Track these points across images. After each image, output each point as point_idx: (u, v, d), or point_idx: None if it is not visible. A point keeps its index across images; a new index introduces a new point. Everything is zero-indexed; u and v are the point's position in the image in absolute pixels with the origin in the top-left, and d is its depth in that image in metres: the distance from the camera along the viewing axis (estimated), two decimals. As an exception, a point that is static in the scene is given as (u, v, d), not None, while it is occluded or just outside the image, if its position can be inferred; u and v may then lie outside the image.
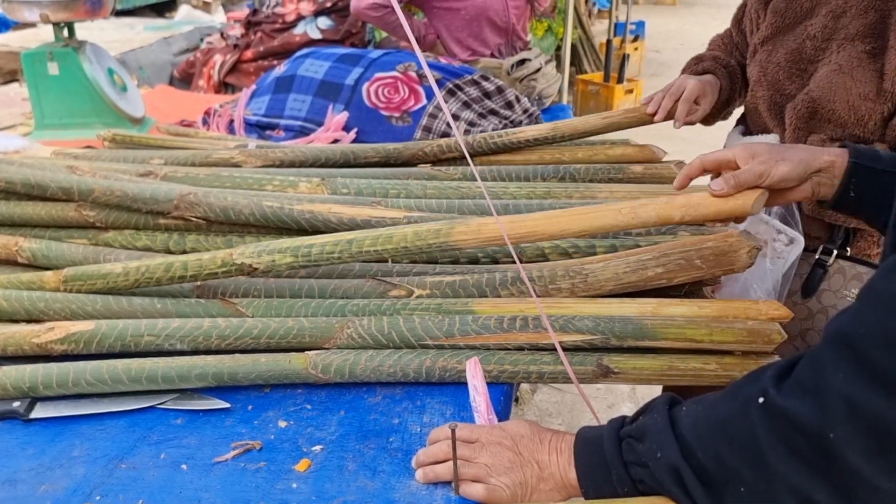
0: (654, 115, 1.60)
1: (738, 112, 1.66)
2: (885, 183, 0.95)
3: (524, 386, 2.82)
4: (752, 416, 0.69)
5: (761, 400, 0.69)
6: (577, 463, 0.85)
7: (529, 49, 2.75)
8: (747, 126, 1.56)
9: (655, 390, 2.85)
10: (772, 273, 1.30)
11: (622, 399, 2.82)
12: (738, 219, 1.05)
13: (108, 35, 3.83)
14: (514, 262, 1.13)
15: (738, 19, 1.64)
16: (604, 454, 0.83)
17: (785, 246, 1.30)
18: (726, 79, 1.61)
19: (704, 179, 1.10)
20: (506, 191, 1.42)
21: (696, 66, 1.65)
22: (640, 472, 0.80)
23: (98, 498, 0.87)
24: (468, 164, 1.46)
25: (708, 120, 1.66)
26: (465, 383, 1.04)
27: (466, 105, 1.94)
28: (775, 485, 0.68)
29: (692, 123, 1.60)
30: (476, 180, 1.39)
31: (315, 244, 1.09)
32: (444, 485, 0.87)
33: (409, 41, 2.79)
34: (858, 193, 0.97)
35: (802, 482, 0.66)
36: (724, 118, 1.72)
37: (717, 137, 1.67)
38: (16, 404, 1.02)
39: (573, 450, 0.86)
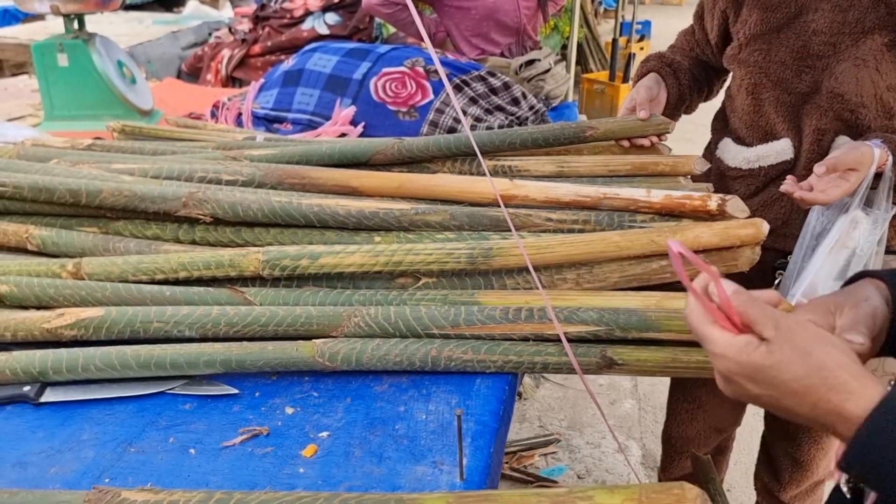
0: None
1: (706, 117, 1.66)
2: None
3: (527, 381, 2.83)
4: None
5: None
6: (869, 427, 0.60)
7: (540, 49, 2.75)
8: (737, 135, 1.54)
9: (658, 385, 2.86)
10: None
11: (624, 395, 2.83)
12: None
13: (117, 29, 3.84)
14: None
15: (699, 15, 1.64)
16: None
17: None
18: (671, 77, 1.61)
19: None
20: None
21: (642, 68, 1.67)
22: None
23: (107, 481, 0.88)
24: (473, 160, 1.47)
25: (673, 116, 1.64)
26: (470, 372, 1.05)
27: (473, 101, 1.95)
28: None
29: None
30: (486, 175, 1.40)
31: (354, 262, 1.15)
32: (450, 470, 0.88)
33: (418, 38, 2.80)
34: None
35: None
36: (688, 112, 1.73)
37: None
38: (26, 388, 1.03)
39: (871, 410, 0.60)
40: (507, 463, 2.40)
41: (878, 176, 1.25)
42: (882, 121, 1.28)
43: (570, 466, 2.44)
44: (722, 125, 1.62)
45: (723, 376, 0.68)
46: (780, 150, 1.43)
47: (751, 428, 2.32)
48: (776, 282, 1.42)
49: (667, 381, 2.04)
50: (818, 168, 1.22)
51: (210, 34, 3.82)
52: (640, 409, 2.78)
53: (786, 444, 1.73)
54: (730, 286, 0.66)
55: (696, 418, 1.80)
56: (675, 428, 1.86)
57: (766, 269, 1.41)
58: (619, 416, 2.72)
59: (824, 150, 1.36)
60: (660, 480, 2.00)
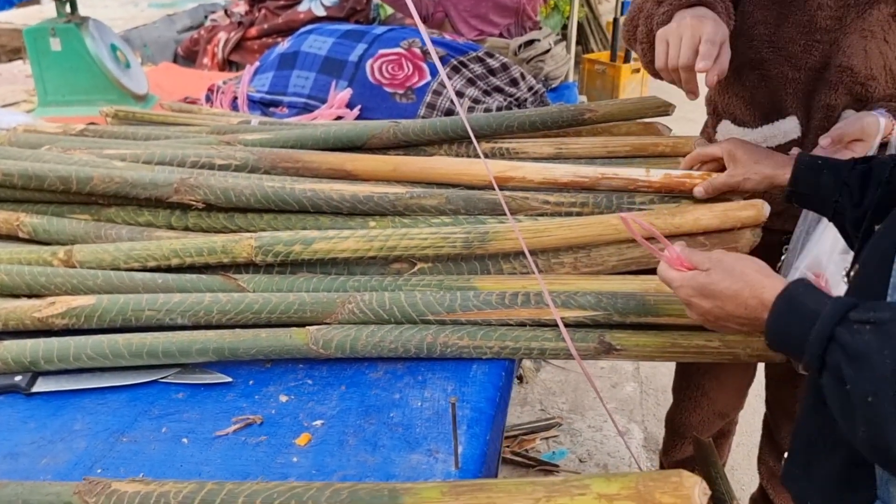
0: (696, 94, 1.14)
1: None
2: (826, 183, 1.07)
3: (528, 364, 2.82)
4: None
5: None
6: (778, 299, 0.81)
7: (539, 29, 2.72)
8: (734, 116, 1.49)
9: (660, 368, 2.85)
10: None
11: (626, 378, 2.82)
12: None
13: (112, 12, 3.82)
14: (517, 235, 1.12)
15: None
16: (811, 307, 0.76)
17: None
18: (724, 15, 1.19)
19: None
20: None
21: None
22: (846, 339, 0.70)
23: (99, 471, 0.87)
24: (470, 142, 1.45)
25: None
26: (466, 359, 1.03)
27: (471, 82, 1.92)
28: None
29: (722, 76, 1.09)
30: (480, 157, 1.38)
31: (348, 248, 1.13)
32: (445, 459, 0.87)
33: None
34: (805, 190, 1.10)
35: None
36: None
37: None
38: (17, 378, 1.02)
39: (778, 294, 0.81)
40: (507, 447, 2.40)
41: (884, 146, 1.23)
42: (891, 90, 1.26)
43: (571, 450, 2.43)
44: (717, 107, 1.57)
45: (685, 303, 0.91)
46: (787, 129, 1.40)
47: (753, 409, 2.31)
48: (781, 258, 1.40)
49: (669, 364, 2.03)
50: (823, 140, 1.20)
51: (206, 17, 3.79)
52: (641, 391, 2.78)
53: (791, 425, 1.71)
54: (678, 245, 0.95)
55: (700, 405, 1.79)
56: (678, 415, 1.85)
57: (774, 247, 1.39)
58: (621, 398, 2.71)
59: (833, 125, 1.33)
60: (661, 464, 2.00)
